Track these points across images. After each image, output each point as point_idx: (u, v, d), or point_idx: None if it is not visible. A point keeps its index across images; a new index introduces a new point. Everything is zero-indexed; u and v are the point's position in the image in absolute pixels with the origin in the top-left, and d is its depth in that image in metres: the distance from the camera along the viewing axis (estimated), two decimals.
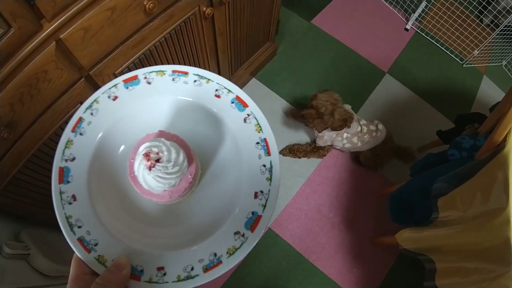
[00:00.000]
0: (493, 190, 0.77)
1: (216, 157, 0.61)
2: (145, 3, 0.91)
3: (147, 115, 0.61)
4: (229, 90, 0.60)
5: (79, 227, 0.55)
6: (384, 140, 1.54)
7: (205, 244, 0.54)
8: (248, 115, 0.59)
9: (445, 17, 2.27)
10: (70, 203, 0.57)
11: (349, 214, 1.62)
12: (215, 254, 0.53)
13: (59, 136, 0.59)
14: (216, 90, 0.60)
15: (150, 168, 0.51)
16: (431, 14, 2.37)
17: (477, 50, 2.23)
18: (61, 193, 0.57)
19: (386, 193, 1.60)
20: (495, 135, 0.81)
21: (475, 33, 2.29)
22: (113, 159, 0.60)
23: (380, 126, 1.57)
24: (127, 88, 0.60)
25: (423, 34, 2.37)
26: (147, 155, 0.51)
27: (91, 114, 0.60)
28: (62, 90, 0.88)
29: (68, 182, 0.57)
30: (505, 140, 0.80)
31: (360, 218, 1.64)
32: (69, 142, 0.59)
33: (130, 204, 0.59)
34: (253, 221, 0.55)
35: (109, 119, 0.60)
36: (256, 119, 0.59)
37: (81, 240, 0.55)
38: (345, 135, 1.48)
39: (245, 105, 0.59)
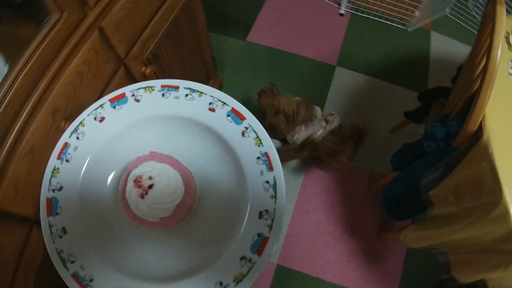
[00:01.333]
0: (484, 182, 0.75)
1: (215, 176, 0.56)
2: None
3: (137, 135, 0.56)
4: (224, 103, 0.56)
5: (72, 262, 0.51)
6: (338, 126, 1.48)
7: (208, 272, 0.50)
8: (246, 128, 0.55)
9: None
10: (60, 237, 0.52)
11: (349, 222, 1.57)
12: (221, 283, 0.49)
13: None
14: (210, 103, 0.56)
15: (142, 196, 0.47)
16: None
17: (417, 11, 2.10)
18: (50, 226, 0.53)
19: (377, 187, 1.56)
20: (469, 124, 0.77)
21: None
22: (103, 186, 0.56)
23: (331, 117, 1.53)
24: (114, 107, 0.56)
25: (359, 14, 2.24)
26: (138, 182, 0.47)
27: (77, 138, 0.55)
28: (106, 80, 0.81)
29: (57, 214, 0.53)
30: (481, 127, 0.77)
31: (360, 222, 1.58)
32: (55, 171, 0.54)
33: (124, 234, 0.54)
34: (259, 244, 0.50)
35: (97, 142, 0.55)
36: (255, 132, 0.54)
37: (75, 276, 0.50)
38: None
39: (242, 118, 0.55)
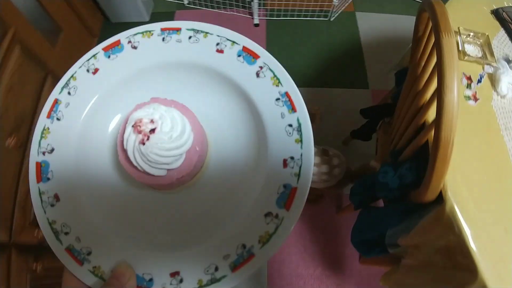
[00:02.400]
0: (454, 254, 0.62)
1: (229, 125, 0.48)
2: None
3: (137, 87, 0.49)
4: (233, 42, 0.48)
5: (66, 233, 0.43)
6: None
7: (228, 234, 0.41)
8: (261, 67, 0.47)
9: None
10: (52, 205, 0.45)
11: (327, 257, 1.43)
12: (244, 246, 0.40)
13: None
14: (218, 44, 0.49)
15: (143, 142, 0.39)
16: None
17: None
18: (40, 193, 0.45)
19: (346, 213, 1.43)
20: (425, 195, 0.62)
21: None
22: (101, 144, 0.48)
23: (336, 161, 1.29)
24: (108, 57, 0.49)
25: (274, 18, 2.02)
26: (137, 126, 0.39)
27: (69, 93, 0.48)
28: None
29: (48, 179, 0.46)
30: (441, 195, 0.62)
31: (338, 252, 1.44)
32: (45, 131, 0.47)
33: (126, 196, 0.46)
34: (287, 196, 0.42)
35: (91, 97, 0.48)
36: (271, 70, 0.47)
37: (70, 250, 0.42)
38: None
39: (255, 56, 0.47)
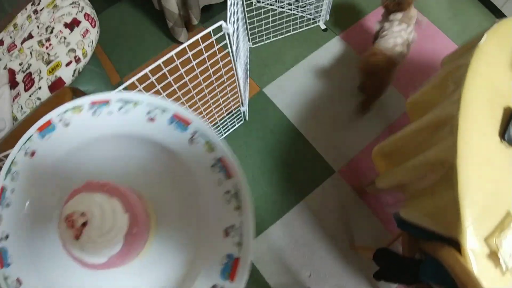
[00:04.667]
0: None
1: (169, 195, 0.49)
2: None
3: (74, 164, 0.49)
4: (164, 110, 0.47)
5: None
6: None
7: None
8: (193, 133, 0.46)
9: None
10: None
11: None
12: None
13: None
14: (148, 112, 0.48)
15: (77, 237, 0.40)
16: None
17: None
18: (5, 278, 0.48)
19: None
20: None
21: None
22: (49, 227, 0.49)
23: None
24: (43, 137, 0.49)
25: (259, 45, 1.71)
26: (69, 221, 0.40)
27: (12, 179, 0.49)
28: None
29: (9, 264, 0.48)
30: None
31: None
32: None
33: (83, 279, 0.48)
34: (230, 267, 0.43)
35: (32, 180, 0.49)
36: (204, 136, 0.46)
37: None
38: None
39: (186, 123, 0.46)
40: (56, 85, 1.15)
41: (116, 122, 0.48)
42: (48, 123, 0.49)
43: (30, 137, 0.49)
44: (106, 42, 1.70)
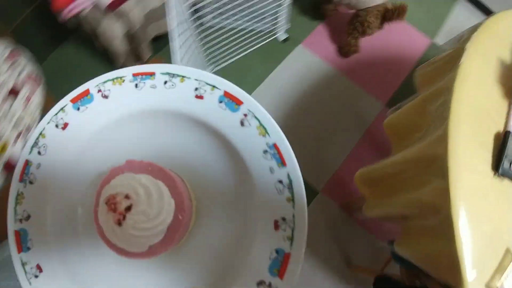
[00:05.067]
0: None
1: (214, 180, 0.45)
2: None
3: (111, 140, 0.45)
4: (213, 86, 0.43)
5: None
6: None
7: None
8: (245, 115, 0.42)
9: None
10: (36, 276, 0.42)
11: None
12: None
13: None
14: (196, 89, 0.44)
15: (119, 223, 0.36)
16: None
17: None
18: (23, 264, 0.43)
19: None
20: None
21: None
22: (77, 208, 0.45)
23: None
24: (77, 109, 0.45)
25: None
26: (111, 204, 0.36)
27: (39, 153, 0.44)
28: None
29: (29, 248, 0.43)
30: None
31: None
32: (19, 196, 0.44)
33: (110, 266, 0.44)
34: (280, 263, 0.39)
35: (63, 155, 0.44)
36: (257, 119, 0.42)
37: None
38: None
39: (238, 103, 0.43)
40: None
41: (160, 97, 0.44)
42: (85, 93, 0.45)
43: (63, 107, 0.45)
44: (55, 86, 1.23)
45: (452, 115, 0.61)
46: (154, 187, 0.37)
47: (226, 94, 0.43)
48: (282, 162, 0.41)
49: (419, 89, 0.86)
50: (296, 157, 0.41)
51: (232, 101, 0.43)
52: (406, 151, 0.72)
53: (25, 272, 0.43)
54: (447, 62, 0.75)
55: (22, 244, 0.43)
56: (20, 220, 0.44)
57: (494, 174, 0.60)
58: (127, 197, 0.36)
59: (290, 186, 0.40)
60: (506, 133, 0.60)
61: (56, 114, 0.45)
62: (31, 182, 0.44)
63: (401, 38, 1.55)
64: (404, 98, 1.04)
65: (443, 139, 0.60)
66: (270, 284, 0.38)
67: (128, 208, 0.36)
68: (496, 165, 0.60)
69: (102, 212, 0.37)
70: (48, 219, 0.43)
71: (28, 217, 0.44)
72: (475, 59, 0.67)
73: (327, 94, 1.46)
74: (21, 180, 0.44)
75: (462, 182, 0.56)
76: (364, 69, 1.33)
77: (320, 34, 1.60)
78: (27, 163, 0.44)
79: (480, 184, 0.59)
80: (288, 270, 0.38)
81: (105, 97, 0.45)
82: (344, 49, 1.42)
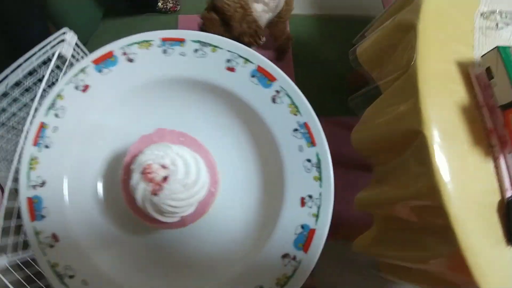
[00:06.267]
0: None
1: (240, 154, 0.44)
2: None
3: (134, 107, 0.43)
4: (246, 59, 0.42)
5: (71, 276, 0.40)
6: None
7: (244, 276, 0.40)
8: (278, 92, 0.42)
9: None
10: (51, 246, 0.41)
11: None
12: None
13: None
14: (228, 60, 0.42)
15: (155, 193, 0.35)
16: None
17: None
18: (36, 233, 0.41)
19: None
20: None
21: None
22: (97, 174, 0.43)
23: None
24: (100, 71, 0.42)
25: None
26: (147, 174, 0.35)
27: (56, 116, 0.42)
28: None
29: (43, 217, 0.41)
30: None
31: None
32: (33, 161, 0.42)
33: (131, 236, 0.43)
34: (305, 238, 0.40)
35: (82, 119, 0.42)
36: (289, 96, 0.42)
37: None
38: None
39: (271, 79, 0.42)
40: None
41: (189, 65, 0.42)
42: (109, 55, 0.42)
43: (84, 68, 0.42)
44: None
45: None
46: (192, 158, 0.37)
47: (259, 69, 0.42)
48: (311, 142, 0.42)
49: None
50: None
51: (265, 77, 0.42)
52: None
53: (39, 242, 0.41)
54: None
55: (36, 212, 0.41)
56: (34, 186, 0.41)
57: (507, 245, 0.49)
58: (163, 166, 0.35)
59: (319, 166, 0.41)
60: (508, 203, 0.50)
61: (76, 75, 0.42)
62: (47, 146, 0.42)
63: None
64: None
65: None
66: (294, 257, 0.40)
67: (165, 179, 0.35)
68: (508, 236, 0.49)
69: (136, 184, 0.36)
70: (66, 185, 0.41)
71: (43, 184, 0.42)
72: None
73: None
74: (36, 144, 0.41)
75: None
76: None
77: None
78: (43, 126, 0.42)
79: (498, 257, 0.49)
80: (312, 245, 0.40)
81: (130, 60, 0.42)
82: None
